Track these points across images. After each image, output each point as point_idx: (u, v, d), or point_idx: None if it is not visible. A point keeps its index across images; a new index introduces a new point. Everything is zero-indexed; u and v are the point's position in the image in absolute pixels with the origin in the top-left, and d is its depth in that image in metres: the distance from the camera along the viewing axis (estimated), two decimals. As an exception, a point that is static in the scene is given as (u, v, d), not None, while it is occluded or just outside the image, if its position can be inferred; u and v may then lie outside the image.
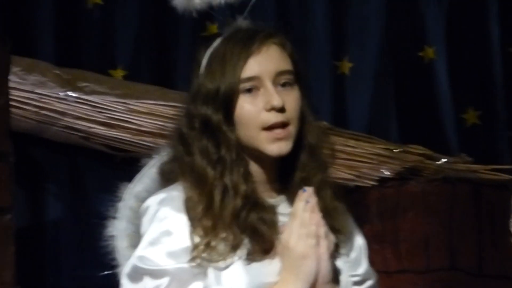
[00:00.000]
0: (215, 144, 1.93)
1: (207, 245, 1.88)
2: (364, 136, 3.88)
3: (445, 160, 3.91)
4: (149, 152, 3.41)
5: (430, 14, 4.33)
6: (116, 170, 3.60)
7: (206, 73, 1.95)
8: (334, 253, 1.96)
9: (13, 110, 3.20)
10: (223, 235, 1.89)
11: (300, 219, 1.89)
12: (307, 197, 1.90)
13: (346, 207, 2.06)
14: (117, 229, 2.05)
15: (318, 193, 1.97)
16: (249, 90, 1.92)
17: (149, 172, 2.07)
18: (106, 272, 2.03)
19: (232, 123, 1.93)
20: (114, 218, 2.07)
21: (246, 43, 1.92)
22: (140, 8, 3.78)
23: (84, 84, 3.46)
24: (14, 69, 3.24)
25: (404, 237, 3.64)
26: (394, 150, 3.86)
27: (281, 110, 1.91)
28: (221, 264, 1.89)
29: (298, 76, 1.98)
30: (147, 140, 3.52)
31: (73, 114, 3.44)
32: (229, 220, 1.90)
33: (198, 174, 1.93)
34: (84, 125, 3.47)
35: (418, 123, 4.24)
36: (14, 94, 3.26)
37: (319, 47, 4.12)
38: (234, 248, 1.89)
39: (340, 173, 3.72)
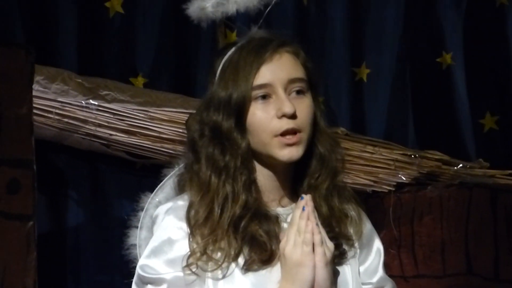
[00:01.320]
0: (221, 151, 1.92)
1: (203, 253, 1.86)
2: (382, 142, 3.88)
3: (462, 165, 3.89)
4: (169, 159, 3.46)
5: (448, 20, 4.32)
6: (137, 177, 3.61)
7: (219, 81, 1.94)
8: (341, 260, 1.93)
9: (36, 118, 3.21)
10: (221, 244, 1.87)
11: (296, 226, 1.86)
12: (303, 204, 1.87)
13: (365, 213, 2.03)
14: (139, 238, 2.05)
15: (326, 199, 1.95)
16: (261, 97, 1.90)
17: (170, 181, 2.06)
18: (131, 280, 2.02)
19: (243, 130, 1.92)
20: (136, 227, 2.06)
21: (259, 52, 1.91)
22: (160, 17, 3.79)
23: (106, 92, 3.45)
24: (37, 78, 3.24)
25: (421, 242, 3.63)
26: (412, 156, 3.85)
27: (293, 116, 1.89)
28: (219, 273, 1.87)
29: (311, 84, 1.96)
30: (167, 147, 3.52)
31: (94, 122, 3.44)
32: (227, 229, 1.87)
33: (202, 182, 1.92)
34: (106, 133, 3.47)
35: (435, 128, 4.23)
36: (37, 102, 3.26)
37: (338, 54, 4.12)
38: (232, 257, 1.87)
39: (358, 178, 3.72)
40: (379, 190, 3.76)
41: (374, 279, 2.01)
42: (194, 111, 3.48)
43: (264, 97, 1.90)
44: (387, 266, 3.66)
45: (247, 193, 1.89)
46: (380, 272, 2.02)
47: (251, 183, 1.91)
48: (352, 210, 1.99)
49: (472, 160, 4.08)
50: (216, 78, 1.96)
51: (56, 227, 3.53)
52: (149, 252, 1.91)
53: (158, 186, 2.07)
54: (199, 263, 1.86)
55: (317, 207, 1.91)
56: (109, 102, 3.45)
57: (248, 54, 1.91)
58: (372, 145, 3.81)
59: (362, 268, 2.00)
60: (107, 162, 3.62)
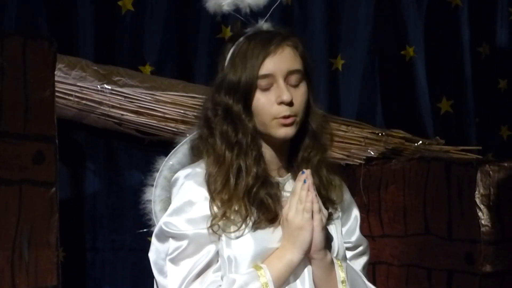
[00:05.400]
0: (234, 129, 1.91)
1: (223, 215, 1.87)
2: (354, 122, 3.87)
3: (422, 142, 3.89)
4: (172, 135, 3.45)
5: (411, 19, 4.31)
6: (145, 151, 3.60)
7: (230, 67, 1.92)
8: (328, 221, 1.95)
9: (58, 100, 3.19)
10: (237, 208, 1.88)
11: (298, 196, 1.88)
12: (304, 177, 1.89)
13: (346, 183, 2.05)
14: (154, 195, 2.03)
15: (317, 170, 1.96)
16: (264, 85, 1.90)
17: (182, 148, 2.05)
18: (144, 230, 2.01)
19: (250, 113, 1.91)
20: (151, 185, 2.04)
21: (265, 45, 1.89)
22: (166, 14, 3.77)
23: (118, 78, 3.44)
24: (59, 65, 3.22)
25: (386, 207, 3.63)
26: (379, 134, 3.84)
27: (290, 104, 1.89)
28: (233, 235, 1.88)
29: (307, 72, 1.95)
30: (170, 126, 3.51)
31: (108, 104, 3.43)
32: (242, 196, 1.89)
33: (217, 155, 1.92)
34: (118, 113, 3.46)
35: (399, 110, 4.23)
36: (59, 86, 3.24)
37: (317, 47, 4.11)
38: (245, 218, 1.88)
39: (334, 153, 3.71)
40: (352, 163, 3.76)
41: (353, 239, 2.04)
42: (194, 95, 3.51)
43: (267, 85, 1.90)
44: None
45: (257, 166, 1.90)
46: (357, 232, 2.05)
47: (260, 157, 1.92)
48: (336, 180, 2.00)
49: (430, 137, 4.08)
50: (226, 63, 1.94)
51: (75, 193, 3.53)
52: (172, 211, 1.91)
53: (172, 151, 2.05)
54: (220, 223, 1.87)
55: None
56: (121, 86, 3.44)
57: (255, 46, 1.89)
58: (346, 125, 3.80)
59: (344, 229, 2.03)
60: (120, 138, 3.61)
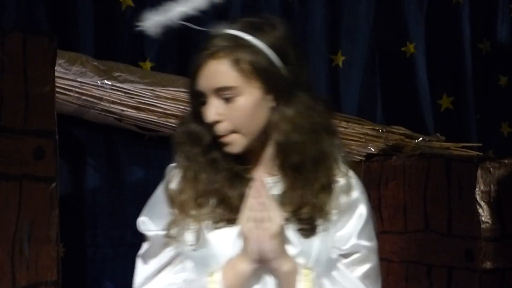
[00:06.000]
0: (188, 139, 1.85)
1: (180, 221, 1.84)
2: (354, 118, 3.87)
3: (422, 138, 3.89)
4: (173, 131, 3.44)
5: (411, 15, 4.31)
6: (145, 147, 3.60)
7: None
8: (309, 233, 1.84)
9: (58, 95, 3.19)
10: (194, 212, 1.83)
11: (248, 203, 1.79)
12: (254, 185, 1.80)
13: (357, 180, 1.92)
14: None
15: (293, 179, 1.84)
16: (203, 100, 1.81)
17: None
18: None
19: (202, 123, 1.83)
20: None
21: (197, 60, 1.82)
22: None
23: (118, 74, 3.44)
24: (59, 61, 3.22)
25: (387, 203, 3.62)
26: (379, 130, 3.85)
27: (216, 123, 1.79)
28: (190, 243, 1.84)
29: (265, 82, 1.78)
30: (171, 122, 3.51)
31: (108, 99, 3.43)
32: (199, 198, 1.83)
33: (177, 160, 1.88)
34: (118, 109, 3.46)
35: (400, 107, 4.23)
36: (59, 82, 3.24)
37: (318, 43, 4.11)
38: (199, 226, 1.82)
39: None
40: (352, 159, 3.76)
41: (346, 246, 1.89)
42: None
43: (205, 100, 1.81)
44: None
45: (209, 171, 1.83)
46: (353, 240, 1.89)
47: (213, 161, 1.83)
48: (335, 183, 1.88)
49: (431, 134, 4.09)
50: None
51: (76, 189, 3.53)
52: (146, 207, 1.90)
53: None
54: (178, 227, 1.83)
55: (281, 187, 1.84)
56: (121, 82, 3.44)
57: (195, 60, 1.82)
58: (346, 121, 3.80)
59: (338, 234, 1.89)
60: (120, 134, 3.61)
